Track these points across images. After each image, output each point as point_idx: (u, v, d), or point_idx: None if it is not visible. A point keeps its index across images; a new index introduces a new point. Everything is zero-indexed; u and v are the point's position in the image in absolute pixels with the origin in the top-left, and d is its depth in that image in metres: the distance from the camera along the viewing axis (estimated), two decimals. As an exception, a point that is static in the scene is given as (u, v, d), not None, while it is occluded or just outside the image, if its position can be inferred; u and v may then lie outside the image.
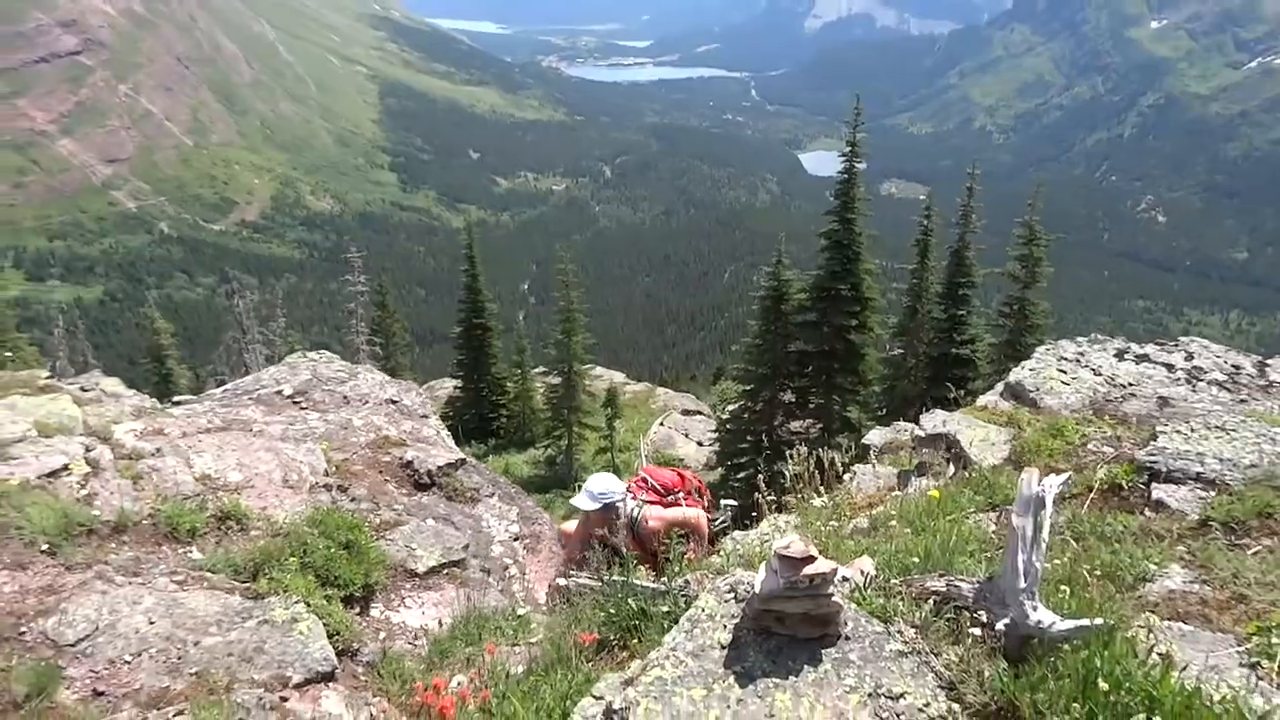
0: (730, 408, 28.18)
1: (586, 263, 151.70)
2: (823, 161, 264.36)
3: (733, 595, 3.16)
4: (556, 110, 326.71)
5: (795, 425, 25.64)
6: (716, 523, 6.66)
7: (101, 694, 3.85)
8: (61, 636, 4.07)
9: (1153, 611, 3.30)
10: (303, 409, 9.18)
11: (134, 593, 4.44)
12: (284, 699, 4.00)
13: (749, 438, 25.80)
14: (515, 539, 7.84)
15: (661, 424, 35.84)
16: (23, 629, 4.11)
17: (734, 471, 25.90)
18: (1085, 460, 5.29)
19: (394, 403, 9.78)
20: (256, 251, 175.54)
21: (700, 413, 38.65)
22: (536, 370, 37.50)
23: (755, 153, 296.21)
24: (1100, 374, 7.16)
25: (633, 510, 6.07)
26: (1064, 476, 3.06)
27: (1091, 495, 4.65)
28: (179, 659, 4.08)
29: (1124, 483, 4.68)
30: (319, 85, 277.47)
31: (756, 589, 2.94)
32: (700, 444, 33.61)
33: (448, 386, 40.06)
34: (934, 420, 6.66)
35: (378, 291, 37.73)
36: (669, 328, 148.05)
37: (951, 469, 5.83)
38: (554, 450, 33.43)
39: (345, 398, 9.62)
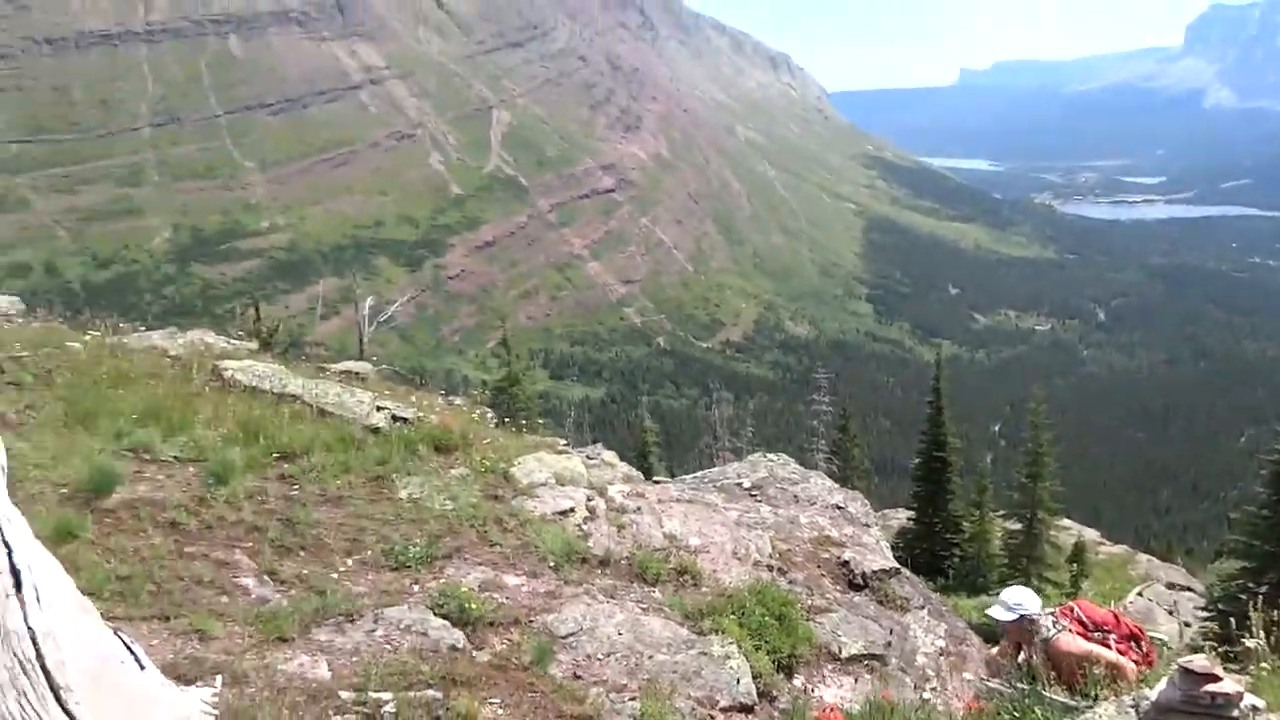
0: (1225, 585, 24.41)
1: (1068, 408, 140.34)
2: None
3: (1134, 708, 3.26)
4: (1045, 247, 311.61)
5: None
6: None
7: (579, 677, 4.91)
8: (556, 629, 5.24)
9: None
10: (757, 501, 10.21)
11: (610, 610, 5.55)
12: (711, 717, 4.74)
13: (1247, 621, 22.07)
14: (941, 654, 7.94)
15: (1139, 593, 31.90)
16: (532, 619, 5.37)
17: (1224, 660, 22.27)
18: None
19: (839, 508, 10.42)
20: (736, 369, 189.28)
21: (1190, 589, 33.75)
22: (997, 513, 35.69)
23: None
24: None
25: (1049, 631, 5.91)
26: None
27: None
28: (636, 665, 5.04)
29: None
30: (809, 219, 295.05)
31: (1153, 698, 3.03)
32: (1187, 624, 29.32)
33: (900, 517, 39.60)
34: None
35: (841, 415, 38.90)
36: (1163, 491, 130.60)
37: None
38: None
39: (795, 497, 10.48)
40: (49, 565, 3.44)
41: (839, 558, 8.63)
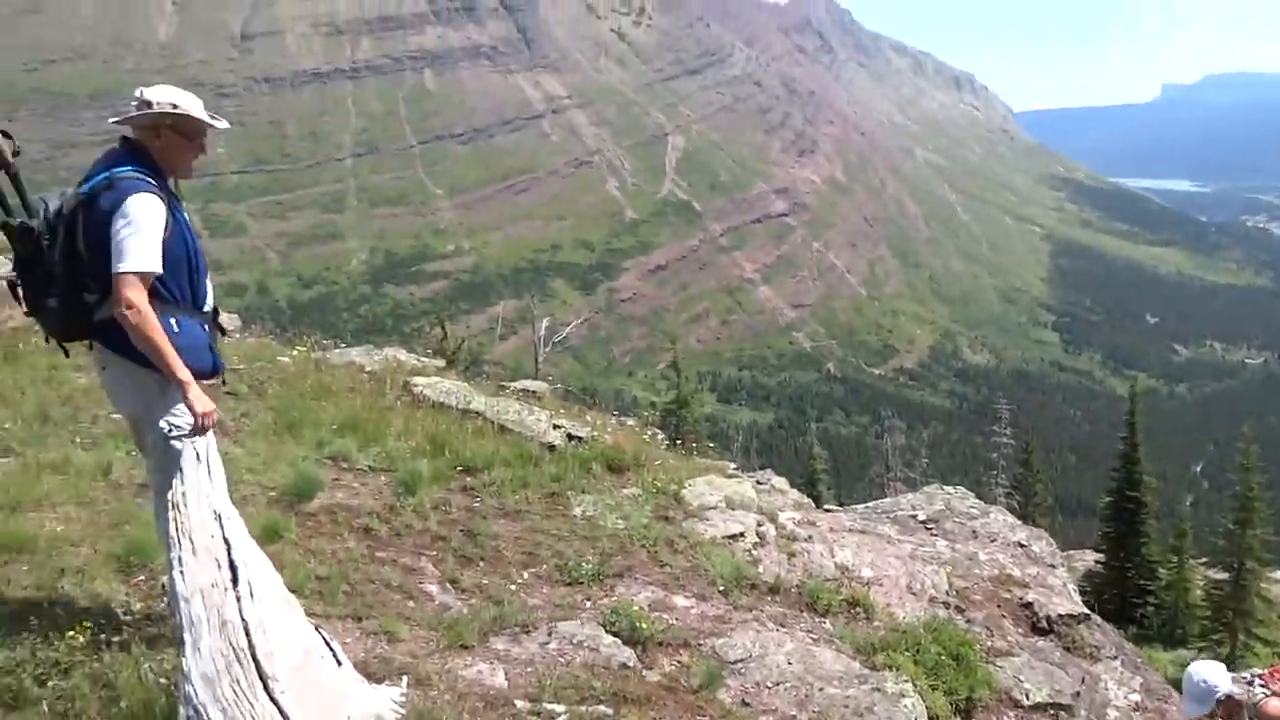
0: None
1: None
2: None
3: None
4: (1259, 274, 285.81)
5: None
6: None
7: (747, 704, 4.86)
8: (725, 654, 5.21)
9: None
10: (932, 534, 9.83)
11: (780, 638, 5.47)
12: (882, 756, 4.59)
13: None
14: (1136, 709, 7.38)
15: (1366, 657, 28.62)
16: (701, 642, 5.36)
17: None
18: None
19: (1022, 546, 9.88)
20: (909, 397, 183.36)
21: None
22: (1198, 561, 32.92)
23: None
24: None
25: (1255, 696, 5.27)
26: None
27: None
28: (805, 697, 4.94)
29: None
30: (990, 244, 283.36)
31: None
32: None
33: (1088, 559, 37.18)
34: None
35: (1023, 449, 36.99)
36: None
37: None
38: (1209, 655, 28.78)
39: (974, 532, 10.02)
40: (261, 562, 3.73)
41: (1021, 599, 8.19)
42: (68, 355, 4.44)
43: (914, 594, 7.09)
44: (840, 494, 47.41)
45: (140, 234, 3.54)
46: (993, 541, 9.81)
